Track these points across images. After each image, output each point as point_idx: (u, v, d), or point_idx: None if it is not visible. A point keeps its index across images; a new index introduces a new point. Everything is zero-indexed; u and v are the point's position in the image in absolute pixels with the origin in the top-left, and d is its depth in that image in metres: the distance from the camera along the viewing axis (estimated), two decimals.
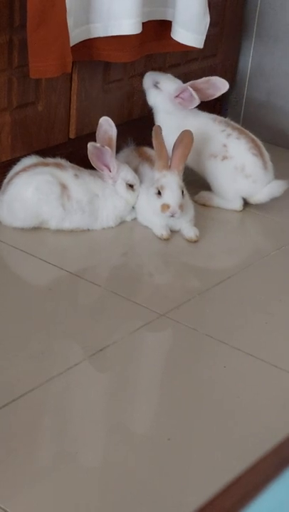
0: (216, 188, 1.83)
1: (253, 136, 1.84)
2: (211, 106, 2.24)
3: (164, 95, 1.81)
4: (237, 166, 1.79)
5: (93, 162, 1.67)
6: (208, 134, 1.79)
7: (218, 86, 1.81)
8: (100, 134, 1.68)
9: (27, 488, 1.06)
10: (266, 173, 1.81)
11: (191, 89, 1.77)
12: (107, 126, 1.67)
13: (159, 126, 1.69)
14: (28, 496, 1.05)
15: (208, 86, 1.80)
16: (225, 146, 1.80)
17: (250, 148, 1.80)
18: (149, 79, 1.82)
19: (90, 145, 1.65)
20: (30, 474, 1.08)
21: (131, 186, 1.72)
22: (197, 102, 1.78)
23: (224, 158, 1.79)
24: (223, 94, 2.26)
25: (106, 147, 1.65)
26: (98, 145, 1.65)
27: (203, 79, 1.80)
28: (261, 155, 1.81)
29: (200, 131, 1.74)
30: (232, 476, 1.06)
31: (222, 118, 1.87)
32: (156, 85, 1.82)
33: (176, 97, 1.80)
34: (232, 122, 1.87)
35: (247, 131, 1.85)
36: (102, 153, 1.66)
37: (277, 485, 0.70)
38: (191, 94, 1.77)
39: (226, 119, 1.88)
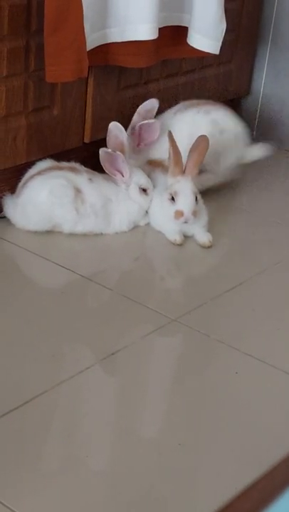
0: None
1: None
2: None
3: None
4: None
5: (106, 167, 1.68)
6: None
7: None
8: (110, 139, 1.68)
9: (36, 490, 1.06)
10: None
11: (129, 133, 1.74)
12: (117, 131, 1.67)
13: (170, 131, 1.69)
14: (38, 497, 1.05)
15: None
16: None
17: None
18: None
19: (101, 151, 1.65)
20: (40, 476, 1.08)
21: (144, 190, 1.72)
22: (154, 132, 1.76)
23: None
24: (237, 101, 2.27)
25: (118, 152, 1.65)
26: (110, 150, 1.65)
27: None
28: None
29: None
30: (243, 482, 1.06)
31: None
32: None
33: (138, 145, 1.77)
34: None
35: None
36: (114, 159, 1.67)
37: None
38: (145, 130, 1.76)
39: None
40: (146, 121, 1.75)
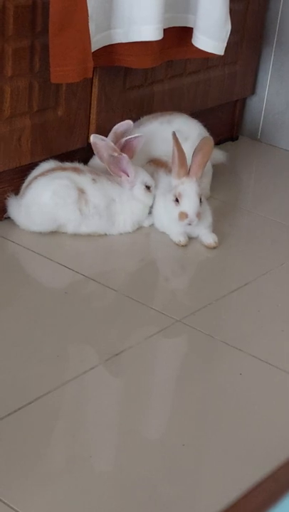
0: None
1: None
2: (230, 114, 2.24)
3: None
4: None
5: (112, 171, 1.68)
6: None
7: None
8: (99, 152, 1.66)
9: (40, 490, 1.06)
10: None
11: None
12: (101, 142, 1.66)
13: (174, 132, 1.69)
14: (42, 498, 1.05)
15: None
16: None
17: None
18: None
19: (107, 156, 1.65)
20: (44, 477, 1.08)
21: (148, 188, 1.72)
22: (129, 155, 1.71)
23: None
24: (242, 102, 2.26)
25: (123, 154, 1.65)
26: (116, 154, 1.65)
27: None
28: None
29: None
30: (246, 483, 1.06)
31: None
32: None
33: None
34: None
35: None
36: (119, 161, 1.67)
37: None
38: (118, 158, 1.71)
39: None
40: (133, 136, 1.70)
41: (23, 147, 1.66)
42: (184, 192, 1.66)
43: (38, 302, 1.46)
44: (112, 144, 1.67)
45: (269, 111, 2.24)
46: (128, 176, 1.69)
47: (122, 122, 1.74)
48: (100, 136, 1.67)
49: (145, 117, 1.86)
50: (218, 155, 1.98)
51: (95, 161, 1.76)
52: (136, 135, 1.71)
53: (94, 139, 1.67)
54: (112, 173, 1.68)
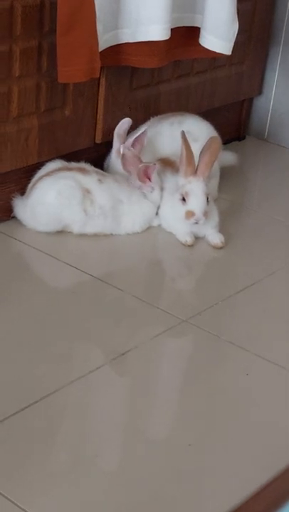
0: None
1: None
2: (237, 114, 2.24)
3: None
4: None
5: (140, 179, 1.68)
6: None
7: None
8: (127, 163, 1.67)
9: (46, 489, 1.06)
10: None
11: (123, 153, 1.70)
12: (130, 153, 1.66)
13: (183, 131, 1.69)
14: (47, 497, 1.05)
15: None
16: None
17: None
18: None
19: (142, 165, 1.66)
20: (50, 476, 1.09)
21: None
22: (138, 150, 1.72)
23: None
24: (249, 102, 2.26)
25: (156, 164, 1.68)
26: (150, 163, 1.67)
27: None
28: None
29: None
30: (254, 484, 1.06)
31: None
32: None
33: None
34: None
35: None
36: (148, 169, 1.67)
37: None
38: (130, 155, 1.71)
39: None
40: (141, 132, 1.72)
41: (31, 147, 1.66)
42: (191, 191, 1.66)
43: (45, 301, 1.46)
44: (137, 153, 1.68)
45: (276, 111, 2.24)
46: (151, 181, 1.70)
47: (121, 123, 1.74)
48: (128, 146, 1.68)
49: (156, 117, 1.86)
50: (228, 156, 1.97)
51: (112, 164, 1.76)
52: (142, 131, 1.72)
53: (124, 150, 1.67)
54: (141, 181, 1.68)
